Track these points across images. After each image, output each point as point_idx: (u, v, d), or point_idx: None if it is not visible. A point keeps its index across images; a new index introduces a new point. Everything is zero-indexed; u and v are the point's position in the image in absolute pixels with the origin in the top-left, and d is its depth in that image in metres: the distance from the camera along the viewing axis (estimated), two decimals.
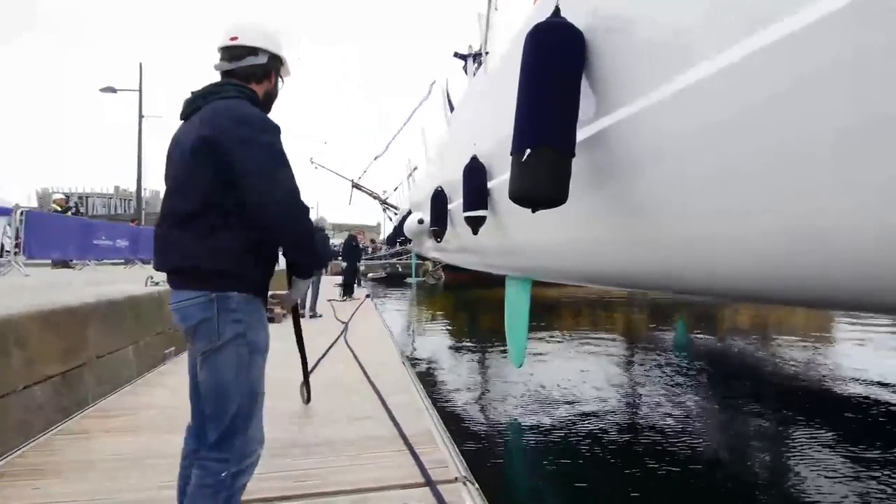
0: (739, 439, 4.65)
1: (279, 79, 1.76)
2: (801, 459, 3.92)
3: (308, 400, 3.10)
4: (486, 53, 7.49)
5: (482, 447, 4.29)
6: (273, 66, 1.69)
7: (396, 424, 2.94)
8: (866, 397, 5.56)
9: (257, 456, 1.53)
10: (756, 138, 1.37)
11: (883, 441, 4.33)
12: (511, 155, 2.12)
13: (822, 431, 4.53)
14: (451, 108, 9.67)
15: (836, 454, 4.04)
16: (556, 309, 13.32)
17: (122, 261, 11.87)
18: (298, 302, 1.86)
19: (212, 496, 1.42)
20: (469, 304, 15.92)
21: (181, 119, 1.60)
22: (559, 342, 9.13)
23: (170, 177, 1.55)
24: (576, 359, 7.89)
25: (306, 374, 2.90)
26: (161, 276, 5.64)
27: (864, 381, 6.24)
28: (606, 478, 3.74)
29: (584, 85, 2.07)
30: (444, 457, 2.52)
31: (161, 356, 4.77)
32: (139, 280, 5.71)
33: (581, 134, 2.11)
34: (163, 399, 3.54)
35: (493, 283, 6.35)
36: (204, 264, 1.43)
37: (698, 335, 10.17)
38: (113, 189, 58.64)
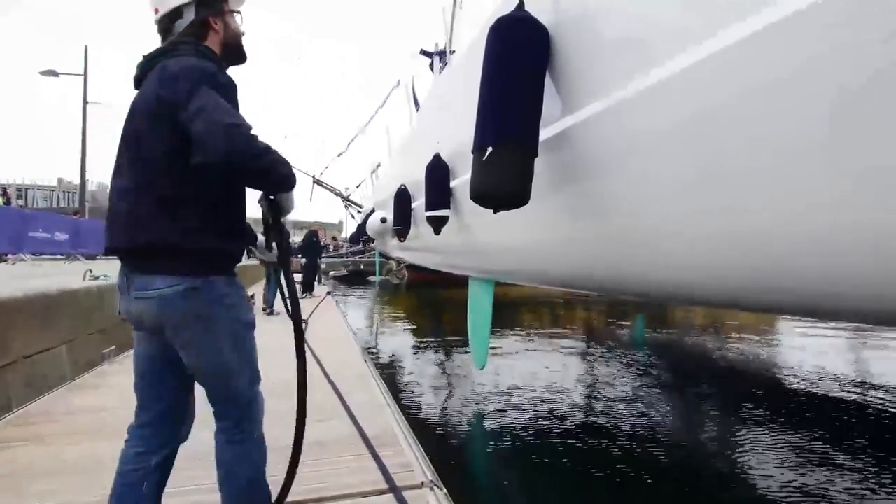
0: (712, 437, 4.77)
1: (229, 16, 1.54)
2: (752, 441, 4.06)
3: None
4: (452, 52, 7.46)
5: (448, 449, 4.22)
6: (206, 12, 1.48)
7: (358, 426, 2.82)
8: (810, 384, 5.86)
9: (263, 412, 1.60)
10: (725, 137, 1.35)
11: (820, 421, 4.59)
12: (472, 153, 2.06)
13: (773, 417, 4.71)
14: (418, 107, 9.61)
15: (783, 437, 4.20)
16: (519, 307, 13.45)
17: (62, 255, 11.17)
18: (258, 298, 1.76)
19: (256, 453, 1.54)
20: (432, 303, 15.87)
21: (135, 87, 1.45)
22: (522, 340, 9.20)
23: (128, 147, 1.39)
24: (540, 356, 7.95)
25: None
26: (101, 270, 5.29)
27: (811, 371, 6.59)
28: (576, 478, 3.73)
29: (548, 82, 2.04)
30: (409, 460, 2.42)
31: (100, 356, 4.47)
32: (80, 275, 5.36)
33: (544, 133, 2.08)
34: (100, 402, 3.31)
35: (457, 283, 6.32)
36: (185, 245, 1.31)
37: (657, 330, 10.51)
38: (56, 181, 55.23)
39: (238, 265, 1.54)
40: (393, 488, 2.10)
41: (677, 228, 1.67)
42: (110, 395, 3.48)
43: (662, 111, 1.54)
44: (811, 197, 1.18)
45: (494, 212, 2.13)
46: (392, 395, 3.66)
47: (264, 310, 7.87)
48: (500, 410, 5.23)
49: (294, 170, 1.42)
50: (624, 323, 11.43)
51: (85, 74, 14.99)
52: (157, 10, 1.48)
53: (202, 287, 1.34)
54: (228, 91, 1.34)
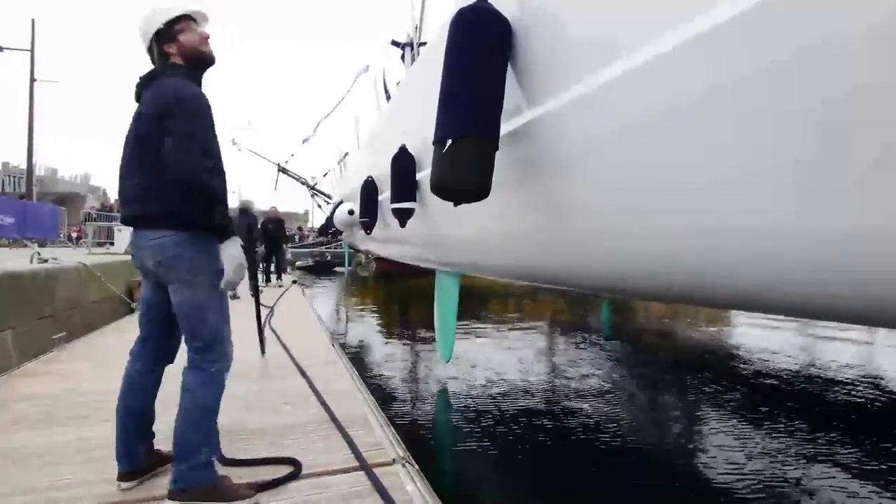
0: (664, 412, 4.99)
1: (185, 34, 1.93)
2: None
3: (263, 352, 4.19)
4: (423, 44, 7.45)
5: (418, 431, 4.28)
6: (162, 43, 1.92)
7: (328, 409, 2.84)
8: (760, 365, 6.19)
9: (231, 357, 1.94)
10: (689, 132, 1.36)
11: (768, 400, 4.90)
12: (433, 145, 2.11)
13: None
14: (389, 98, 9.56)
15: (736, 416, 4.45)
16: (487, 295, 13.60)
17: (7, 241, 10.63)
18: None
19: (214, 386, 1.85)
20: (398, 293, 15.86)
21: (136, 100, 1.92)
22: (491, 327, 9.32)
23: (130, 146, 1.86)
24: (510, 343, 8.08)
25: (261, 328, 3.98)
26: (49, 254, 5.15)
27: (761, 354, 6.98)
28: (543, 456, 3.83)
29: (510, 75, 2.07)
30: (380, 439, 2.46)
31: (49, 342, 4.32)
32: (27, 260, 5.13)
33: (506, 126, 2.13)
34: (50, 390, 3.20)
35: (426, 274, 6.38)
36: (182, 209, 1.76)
37: (624, 317, 10.89)
38: (0, 165, 52.03)
39: None
40: (364, 466, 2.14)
41: (638, 224, 1.71)
42: (61, 382, 3.38)
43: (625, 106, 1.57)
44: (798, 191, 1.17)
45: (455, 205, 2.18)
46: (362, 380, 3.69)
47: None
48: (469, 394, 5.29)
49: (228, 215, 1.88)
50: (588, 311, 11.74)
51: (32, 50, 14.22)
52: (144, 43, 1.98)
53: (191, 237, 1.79)
54: (204, 110, 1.81)
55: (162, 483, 1.92)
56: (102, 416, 2.69)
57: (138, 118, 1.85)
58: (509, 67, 2.09)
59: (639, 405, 5.34)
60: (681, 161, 1.43)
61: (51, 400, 2.99)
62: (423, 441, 4.01)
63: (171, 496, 1.75)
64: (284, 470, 2.08)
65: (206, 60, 1.98)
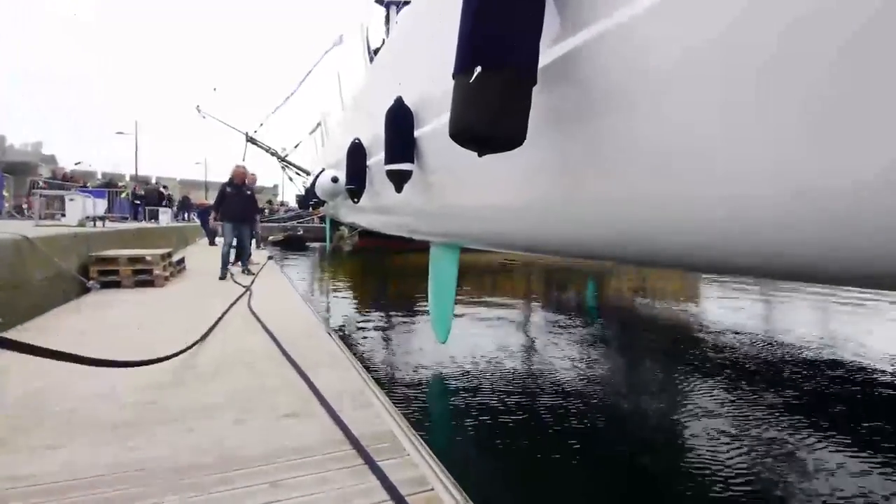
0: (667, 394, 4.79)
1: None
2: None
3: None
4: (408, 2, 6.92)
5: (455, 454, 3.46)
6: None
7: (340, 423, 2.25)
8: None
9: None
10: (779, 57, 1.07)
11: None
12: (453, 77, 1.71)
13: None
14: (372, 59, 9.08)
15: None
16: (470, 272, 13.35)
17: None
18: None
19: None
20: (389, 270, 15.52)
21: None
22: (484, 307, 9.07)
23: None
24: (514, 325, 7.85)
25: None
26: None
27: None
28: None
29: None
30: (422, 471, 1.86)
31: None
32: None
33: (546, 56, 1.75)
34: None
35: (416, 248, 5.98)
36: None
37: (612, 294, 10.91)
38: None
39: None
40: None
41: (725, 184, 1.32)
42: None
43: (702, 24, 1.23)
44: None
45: (480, 154, 1.81)
46: (375, 381, 3.14)
47: (222, 277, 7.94)
48: (488, 385, 4.91)
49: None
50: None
51: None
52: None
53: None
54: None
55: None
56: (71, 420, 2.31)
57: None
58: None
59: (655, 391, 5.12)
60: (791, 91, 1.08)
61: None
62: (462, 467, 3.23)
63: None
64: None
65: None
